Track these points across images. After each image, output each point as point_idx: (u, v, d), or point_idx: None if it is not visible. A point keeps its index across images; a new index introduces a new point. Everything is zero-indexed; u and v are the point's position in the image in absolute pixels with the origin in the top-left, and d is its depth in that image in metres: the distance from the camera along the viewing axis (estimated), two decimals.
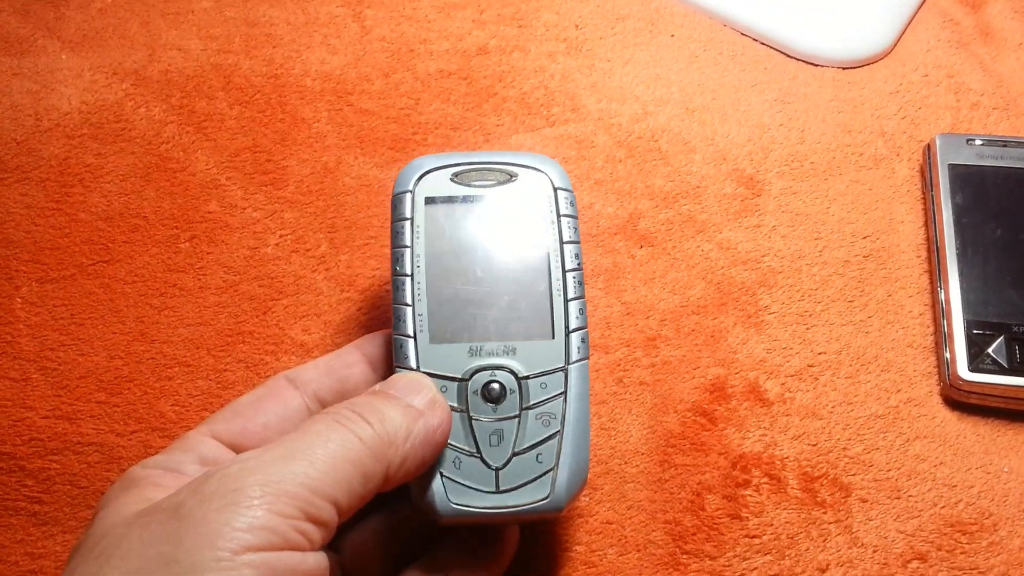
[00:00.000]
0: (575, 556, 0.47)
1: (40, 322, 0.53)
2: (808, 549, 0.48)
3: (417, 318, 0.41)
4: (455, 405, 0.40)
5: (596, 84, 0.64)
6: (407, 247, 0.42)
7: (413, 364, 0.40)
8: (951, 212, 0.57)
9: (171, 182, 0.58)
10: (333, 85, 0.63)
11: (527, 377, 0.40)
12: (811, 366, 0.54)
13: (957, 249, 0.56)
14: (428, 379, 0.40)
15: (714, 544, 0.48)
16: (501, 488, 0.39)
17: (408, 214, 0.42)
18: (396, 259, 0.41)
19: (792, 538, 0.48)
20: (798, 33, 0.66)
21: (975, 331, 0.53)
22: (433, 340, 0.40)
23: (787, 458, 0.50)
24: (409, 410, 0.38)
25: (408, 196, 0.43)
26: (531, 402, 0.40)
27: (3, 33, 0.64)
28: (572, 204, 0.44)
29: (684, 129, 0.62)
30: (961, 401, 0.53)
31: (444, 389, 0.40)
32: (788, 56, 0.66)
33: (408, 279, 0.41)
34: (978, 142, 0.60)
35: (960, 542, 0.49)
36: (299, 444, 0.34)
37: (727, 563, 0.47)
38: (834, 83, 0.65)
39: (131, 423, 0.50)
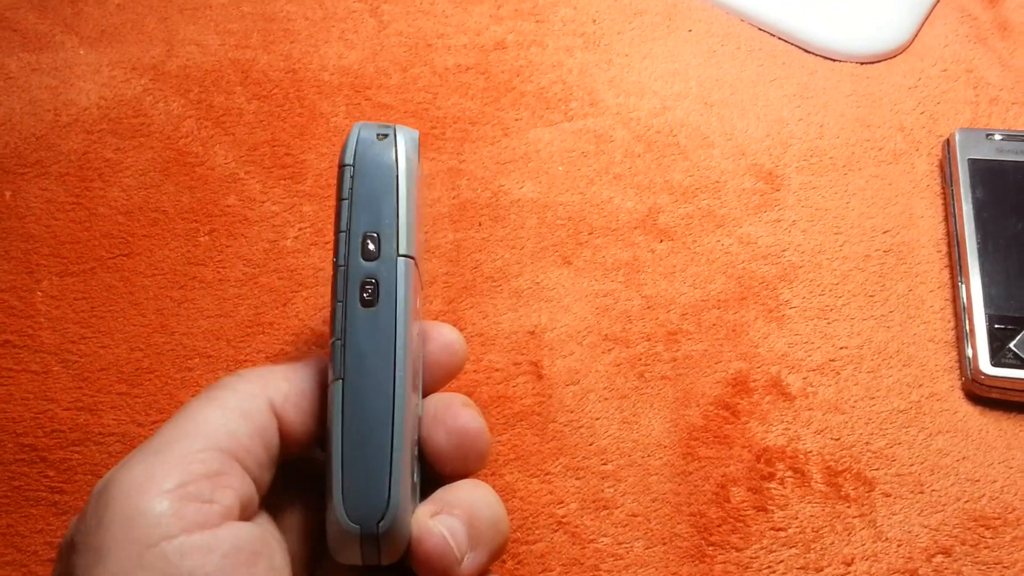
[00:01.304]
0: (602, 548, 0.47)
1: (61, 315, 0.52)
2: (833, 543, 0.48)
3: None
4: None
5: (614, 79, 0.64)
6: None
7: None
8: (971, 207, 0.57)
9: (190, 176, 0.58)
10: (351, 79, 0.63)
11: None
12: (833, 360, 0.53)
13: (978, 244, 0.56)
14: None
15: (740, 536, 0.48)
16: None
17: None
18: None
19: (817, 531, 0.48)
20: (816, 28, 0.66)
21: (996, 326, 0.53)
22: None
23: (810, 452, 0.50)
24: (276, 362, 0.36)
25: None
26: None
27: (21, 29, 0.64)
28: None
29: (703, 124, 0.62)
30: (983, 396, 0.53)
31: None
32: (806, 51, 0.66)
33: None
34: (997, 137, 0.60)
35: (984, 536, 0.48)
36: (167, 423, 0.32)
37: (754, 555, 0.47)
38: (852, 78, 0.65)
39: (152, 414, 0.50)
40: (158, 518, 0.28)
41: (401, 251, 0.35)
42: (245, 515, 0.31)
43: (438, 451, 0.37)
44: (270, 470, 0.34)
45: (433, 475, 0.37)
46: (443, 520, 0.34)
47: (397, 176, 0.36)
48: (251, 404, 0.33)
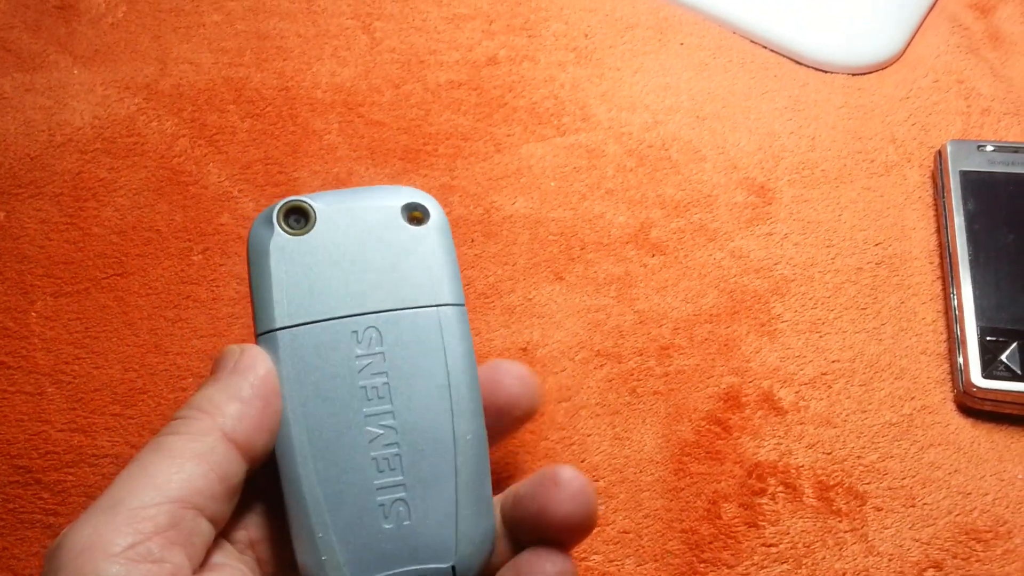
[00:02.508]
0: (593, 566, 0.47)
1: (55, 336, 0.53)
2: (825, 558, 0.48)
3: None
4: None
5: (606, 93, 0.64)
6: None
7: None
8: (963, 218, 0.57)
9: (183, 195, 0.58)
10: (343, 97, 0.63)
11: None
12: (825, 374, 0.53)
13: (970, 255, 0.56)
14: (237, 345, 0.36)
15: (731, 553, 0.48)
16: None
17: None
18: None
19: (808, 547, 0.48)
20: (807, 40, 0.66)
21: (988, 338, 0.53)
22: None
23: (802, 466, 0.50)
24: (218, 377, 0.35)
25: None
26: None
27: (15, 49, 0.64)
28: None
29: (694, 138, 0.62)
30: (975, 408, 0.53)
31: None
32: (798, 63, 0.66)
33: None
34: (989, 148, 0.60)
35: (975, 550, 0.48)
36: (119, 477, 0.31)
37: (745, 572, 0.47)
38: (844, 90, 0.65)
39: (146, 435, 0.50)
40: None
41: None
42: (200, 560, 0.31)
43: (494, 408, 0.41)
44: (231, 500, 0.33)
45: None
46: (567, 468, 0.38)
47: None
48: (201, 443, 0.32)
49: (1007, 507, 0.50)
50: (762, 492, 0.49)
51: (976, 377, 0.52)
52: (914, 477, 0.50)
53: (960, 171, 0.59)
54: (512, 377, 0.40)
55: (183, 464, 0.31)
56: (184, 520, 0.30)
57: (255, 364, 0.35)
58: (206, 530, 0.32)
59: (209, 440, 0.32)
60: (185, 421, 0.33)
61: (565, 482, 0.36)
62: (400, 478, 0.35)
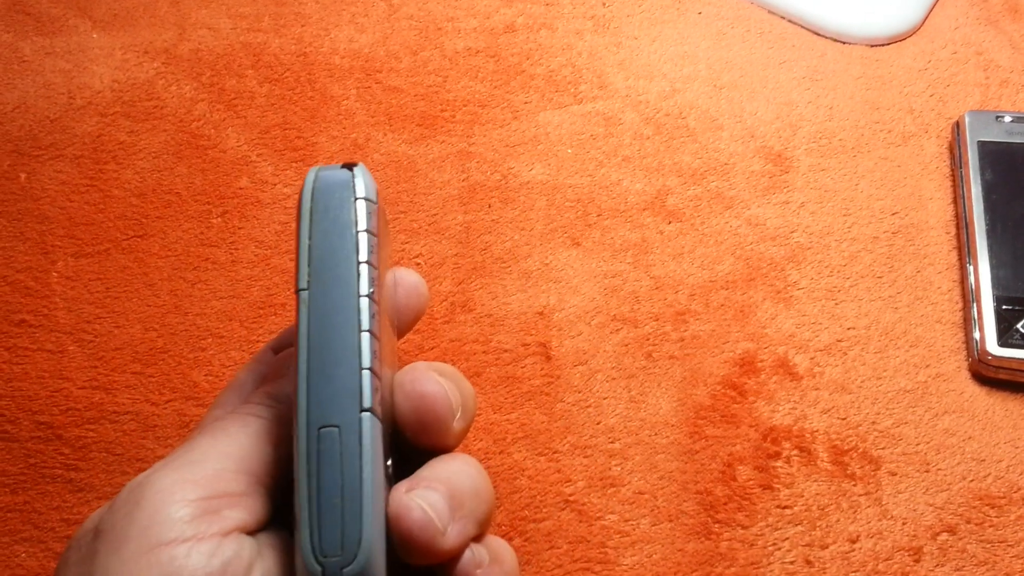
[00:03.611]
0: (609, 525, 0.47)
1: (76, 296, 0.53)
2: (839, 520, 0.48)
3: (375, 354, 0.33)
4: (390, 475, 0.34)
5: (624, 61, 0.64)
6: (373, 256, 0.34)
7: (379, 410, 0.33)
8: (980, 189, 0.57)
9: (203, 159, 0.58)
10: (361, 63, 0.63)
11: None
12: (840, 341, 0.54)
13: (986, 225, 0.56)
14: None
15: (746, 514, 0.48)
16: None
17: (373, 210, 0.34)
18: (364, 268, 0.33)
19: (823, 509, 0.48)
20: (826, 11, 0.66)
21: (1004, 307, 0.53)
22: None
23: (817, 431, 0.51)
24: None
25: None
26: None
27: (35, 13, 0.65)
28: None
29: (712, 106, 0.62)
30: (990, 376, 0.53)
31: (386, 458, 0.34)
32: (816, 34, 0.66)
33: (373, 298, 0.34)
34: (1007, 119, 0.60)
35: (989, 515, 0.49)
36: (200, 434, 0.34)
37: (759, 532, 0.47)
38: (862, 60, 0.65)
39: (166, 393, 0.50)
40: (175, 522, 0.31)
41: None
42: (253, 529, 0.33)
43: (402, 420, 0.36)
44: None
45: (408, 451, 0.36)
46: (420, 494, 0.34)
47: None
48: (283, 432, 0.34)
49: (1021, 474, 0.50)
50: (777, 455, 0.50)
51: (991, 345, 0.52)
52: (928, 443, 0.51)
53: (978, 141, 0.59)
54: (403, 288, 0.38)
55: (265, 446, 0.34)
56: (255, 490, 0.33)
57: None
58: (268, 502, 0.34)
59: (285, 429, 0.34)
60: (269, 407, 0.35)
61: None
62: None
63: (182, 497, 0.31)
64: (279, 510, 0.36)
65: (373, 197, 0.33)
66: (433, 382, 0.36)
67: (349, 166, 0.33)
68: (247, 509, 0.33)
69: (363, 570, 0.30)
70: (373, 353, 0.31)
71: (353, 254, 0.31)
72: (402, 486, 0.35)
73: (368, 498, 0.30)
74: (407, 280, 0.40)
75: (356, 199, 0.32)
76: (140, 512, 0.31)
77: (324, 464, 0.31)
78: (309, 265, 0.31)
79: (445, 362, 0.42)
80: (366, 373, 0.31)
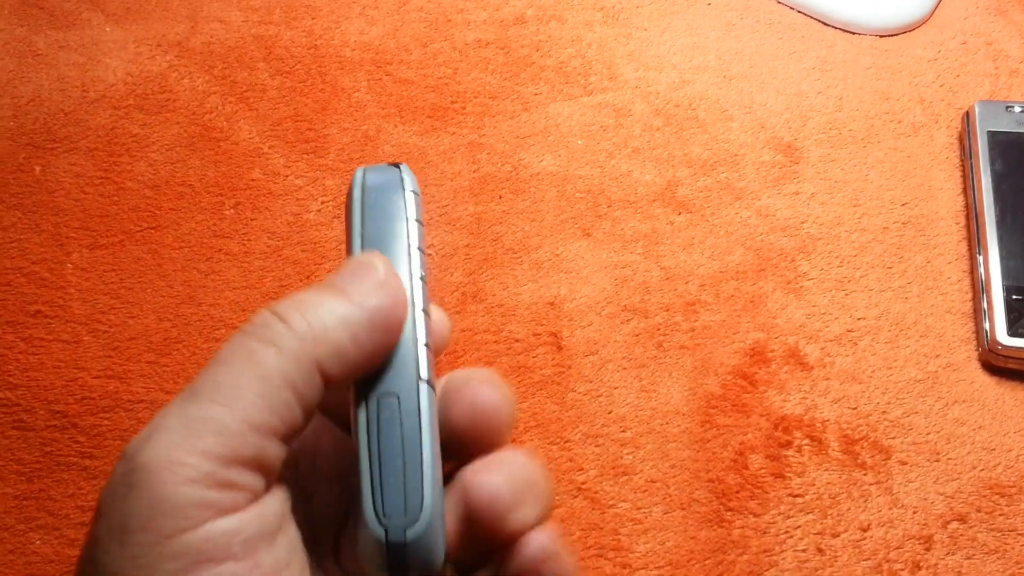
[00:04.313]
0: (622, 513, 0.48)
1: (91, 287, 0.54)
2: (850, 509, 0.48)
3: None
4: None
5: (633, 53, 0.64)
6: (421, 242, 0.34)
7: (433, 381, 0.34)
8: (990, 179, 0.57)
9: (215, 151, 0.59)
10: (372, 55, 0.63)
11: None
12: (850, 331, 0.54)
13: (996, 215, 0.56)
14: (379, 258, 0.32)
15: (758, 502, 0.48)
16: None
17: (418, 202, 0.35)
18: (415, 253, 0.34)
19: (834, 498, 0.49)
20: (835, 1, 0.66)
21: (1014, 296, 0.53)
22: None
23: (828, 421, 0.51)
24: (344, 295, 0.31)
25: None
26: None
27: (48, 7, 0.65)
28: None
29: (722, 97, 0.62)
30: (999, 366, 0.53)
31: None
32: (825, 24, 0.66)
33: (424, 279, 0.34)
34: (1017, 109, 0.60)
35: (999, 504, 0.49)
36: (202, 381, 0.29)
37: (771, 520, 0.48)
38: (872, 51, 0.65)
39: (180, 382, 0.51)
40: (184, 508, 0.28)
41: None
42: (275, 478, 0.30)
43: (455, 428, 0.35)
44: (307, 421, 0.31)
45: (452, 457, 0.36)
46: (486, 476, 0.34)
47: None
48: (282, 360, 0.29)
49: None
50: (788, 444, 0.50)
51: (1001, 335, 0.52)
52: (939, 432, 0.51)
53: (988, 132, 0.59)
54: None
55: (259, 378, 0.29)
56: (262, 442, 0.29)
57: (385, 284, 0.32)
58: (278, 451, 0.30)
59: (309, 369, 0.30)
60: (266, 326, 0.30)
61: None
62: None
63: (186, 476, 0.28)
64: (295, 461, 0.33)
65: (419, 191, 0.34)
66: (492, 393, 0.35)
67: (395, 165, 0.35)
68: (263, 469, 0.29)
69: (426, 530, 0.30)
70: (428, 331, 0.32)
71: (406, 239, 0.33)
72: (467, 470, 0.35)
73: (428, 463, 0.31)
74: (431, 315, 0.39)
75: (406, 192, 0.33)
76: (139, 496, 0.28)
77: (384, 430, 0.31)
78: (363, 250, 0.32)
79: (456, 352, 0.42)
80: (423, 348, 0.32)
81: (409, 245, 0.33)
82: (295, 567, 0.30)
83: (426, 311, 0.32)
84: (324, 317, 0.30)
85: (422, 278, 0.32)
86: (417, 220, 0.33)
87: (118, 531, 0.27)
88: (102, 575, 0.27)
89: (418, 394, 0.32)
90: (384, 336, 0.31)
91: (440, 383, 0.35)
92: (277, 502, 0.30)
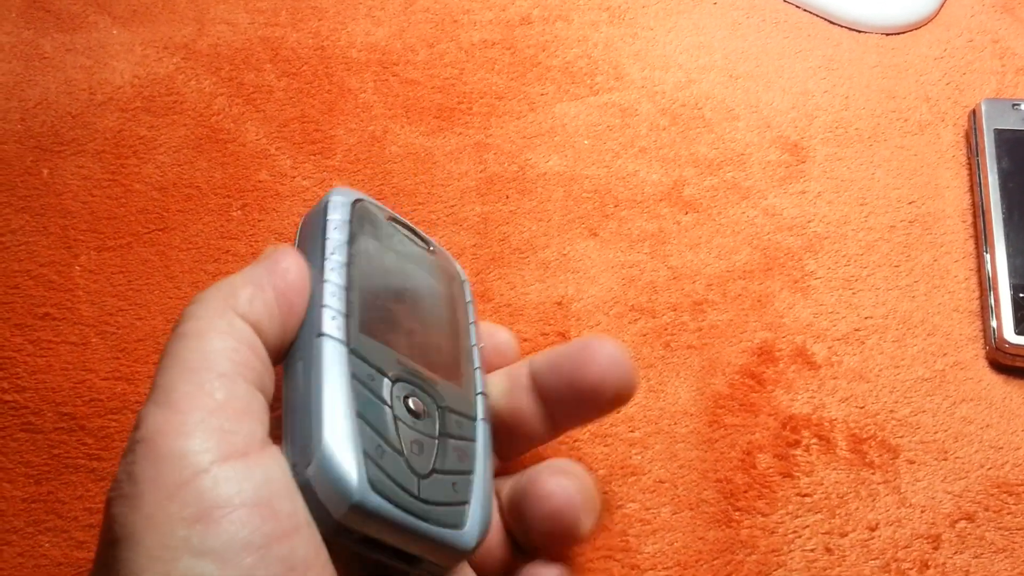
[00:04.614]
0: (630, 513, 0.48)
1: (98, 289, 0.54)
2: (858, 508, 0.48)
3: (351, 303, 0.35)
4: (383, 397, 0.34)
5: (639, 52, 0.64)
6: (344, 244, 0.38)
7: (341, 337, 0.34)
8: (997, 177, 0.57)
9: (222, 153, 0.59)
10: (378, 56, 0.63)
11: (447, 408, 0.36)
12: (858, 330, 0.54)
13: (1003, 213, 0.56)
14: (274, 245, 0.36)
15: (766, 502, 0.48)
16: (422, 496, 0.33)
17: (347, 217, 0.39)
18: (332, 249, 0.37)
19: (842, 497, 0.49)
20: (841, 0, 0.66)
21: (1021, 295, 0.53)
22: (363, 330, 0.35)
23: (835, 420, 0.51)
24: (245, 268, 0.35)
25: (348, 207, 0.39)
26: (449, 432, 0.36)
27: (55, 9, 0.65)
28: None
29: (728, 96, 0.62)
30: (1007, 364, 0.53)
31: (371, 378, 0.34)
32: (831, 23, 0.66)
33: (344, 267, 0.37)
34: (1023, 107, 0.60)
35: (1007, 503, 0.49)
36: (164, 377, 0.31)
37: (779, 520, 0.48)
38: (878, 49, 0.65)
39: None
40: (187, 455, 0.28)
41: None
42: (267, 428, 0.31)
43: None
44: (269, 371, 0.33)
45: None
46: (559, 479, 0.35)
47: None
48: (221, 320, 0.32)
49: None
50: (796, 444, 0.50)
51: (1009, 333, 0.52)
52: (946, 431, 0.51)
53: (994, 130, 0.59)
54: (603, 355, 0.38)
55: (212, 340, 0.31)
56: (240, 390, 0.31)
57: (282, 260, 0.35)
58: (262, 399, 0.32)
59: (227, 318, 0.32)
60: (200, 304, 0.33)
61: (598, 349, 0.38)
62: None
63: (183, 427, 0.29)
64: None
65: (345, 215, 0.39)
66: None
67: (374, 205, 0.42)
68: (255, 414, 0.31)
69: (322, 466, 0.31)
70: (333, 293, 0.35)
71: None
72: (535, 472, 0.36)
73: (320, 409, 0.32)
74: (496, 337, 0.41)
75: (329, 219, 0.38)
76: (145, 460, 0.28)
77: (290, 391, 0.33)
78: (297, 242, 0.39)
79: None
80: (325, 309, 0.34)
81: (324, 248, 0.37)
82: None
83: (332, 280, 0.36)
84: (231, 280, 0.34)
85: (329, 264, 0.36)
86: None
87: (130, 503, 0.28)
88: (118, 545, 0.27)
89: (313, 349, 0.33)
90: (280, 284, 0.34)
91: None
92: (279, 453, 0.31)
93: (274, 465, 0.30)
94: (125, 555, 0.27)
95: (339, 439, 0.31)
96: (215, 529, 0.27)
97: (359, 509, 0.31)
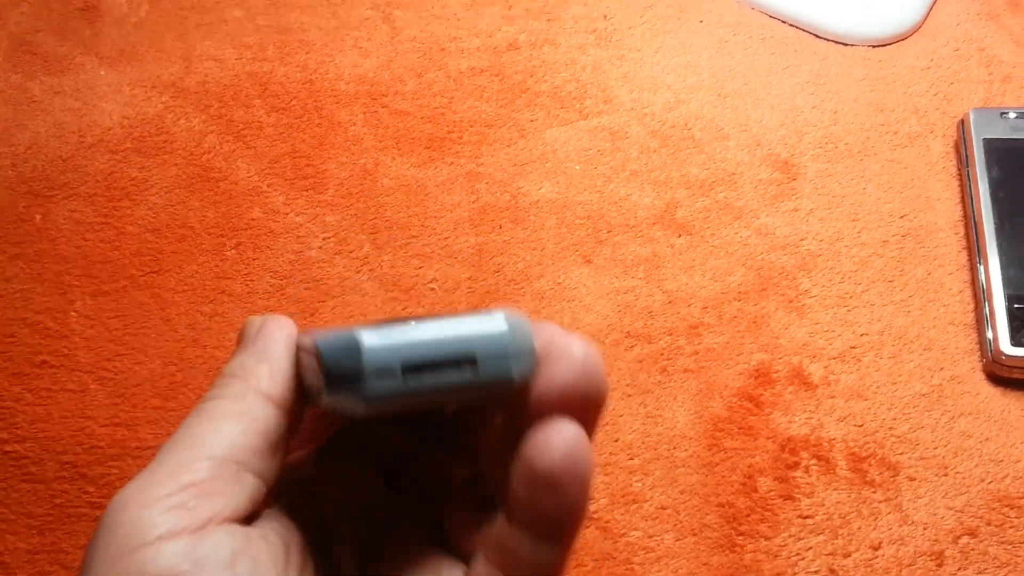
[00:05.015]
0: (633, 541, 0.48)
1: (95, 334, 0.54)
2: (860, 528, 0.48)
3: None
4: None
5: (627, 74, 0.64)
6: None
7: None
8: (987, 187, 0.57)
9: (214, 191, 0.59)
10: (367, 88, 0.64)
11: None
12: (854, 348, 0.54)
13: (995, 224, 0.56)
14: (257, 316, 0.36)
15: (769, 525, 0.48)
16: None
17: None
18: None
19: (844, 517, 0.49)
20: (826, 13, 0.66)
21: (1016, 306, 0.53)
22: None
23: (834, 439, 0.51)
24: (244, 345, 0.34)
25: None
26: None
27: (42, 52, 0.65)
28: None
29: (717, 116, 0.62)
30: (1004, 376, 0.53)
31: None
32: (817, 37, 0.66)
33: None
34: (1012, 115, 0.60)
35: (1009, 516, 0.49)
36: (162, 450, 0.32)
37: (783, 543, 0.48)
38: (865, 62, 0.65)
39: None
40: (138, 526, 0.29)
41: None
42: (245, 512, 0.31)
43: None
44: (276, 456, 0.33)
45: None
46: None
47: None
48: (239, 404, 0.33)
49: None
50: (796, 465, 0.50)
51: (1005, 345, 0.52)
52: (946, 446, 0.51)
53: (983, 139, 0.59)
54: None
55: (221, 424, 0.32)
56: (224, 473, 0.31)
57: (278, 327, 0.35)
58: (251, 484, 0.32)
59: (247, 400, 0.33)
60: (221, 387, 0.33)
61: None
62: None
63: (143, 501, 0.29)
64: (285, 498, 0.34)
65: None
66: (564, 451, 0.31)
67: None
68: (228, 496, 0.31)
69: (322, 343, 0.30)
70: None
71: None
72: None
73: None
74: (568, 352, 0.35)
75: None
76: (101, 530, 0.29)
77: None
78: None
79: None
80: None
81: None
82: None
83: None
84: (244, 362, 0.33)
85: None
86: None
87: (83, 565, 0.29)
88: None
89: None
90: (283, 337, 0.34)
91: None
92: (243, 531, 0.31)
93: (225, 538, 0.30)
94: None
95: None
96: None
97: (374, 387, 0.29)
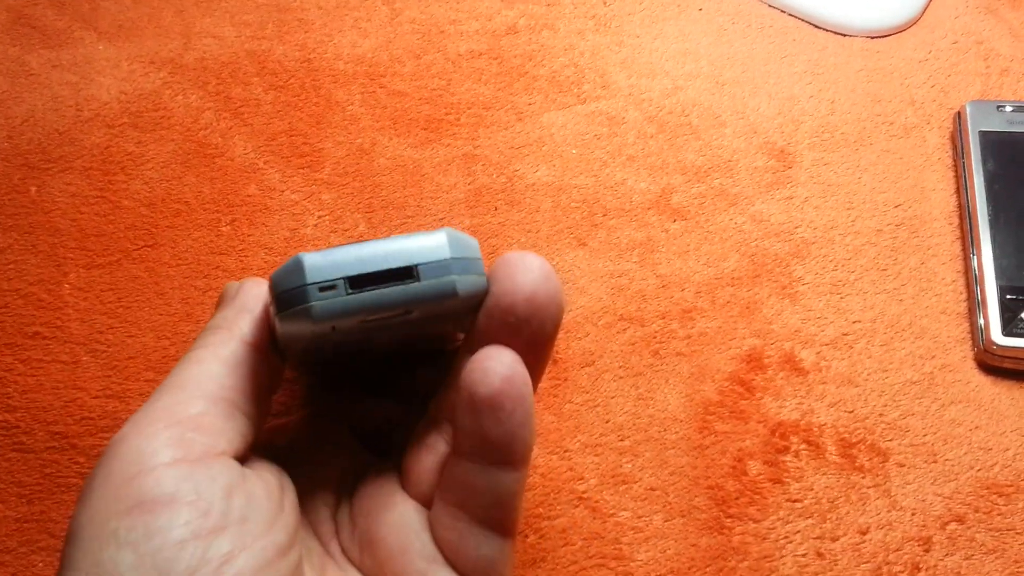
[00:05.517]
0: (622, 521, 0.48)
1: (88, 306, 0.54)
2: (848, 513, 0.49)
3: None
4: None
5: (626, 60, 0.64)
6: None
7: None
8: (983, 179, 0.57)
9: (210, 167, 0.59)
10: (365, 68, 0.63)
11: None
12: (846, 335, 0.54)
13: (989, 215, 0.56)
14: (234, 281, 0.39)
15: (757, 508, 0.48)
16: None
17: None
18: None
19: (832, 502, 0.49)
20: (826, 3, 0.66)
21: (1008, 296, 0.53)
22: None
23: (824, 425, 0.51)
24: (224, 303, 0.37)
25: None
26: None
27: (40, 26, 0.65)
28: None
29: (714, 103, 0.62)
30: (995, 366, 0.53)
31: None
32: (816, 27, 0.66)
33: None
34: (1008, 108, 0.60)
35: (997, 504, 0.49)
36: (153, 395, 0.33)
37: (771, 526, 0.48)
38: (863, 53, 0.65)
39: None
40: (137, 455, 0.30)
41: None
42: (237, 448, 0.33)
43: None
44: (264, 399, 0.35)
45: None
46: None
47: None
48: (224, 349, 0.34)
49: None
50: (786, 450, 0.50)
51: (996, 335, 0.52)
52: (936, 434, 0.51)
53: (979, 132, 0.59)
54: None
55: (210, 366, 0.33)
56: (218, 411, 0.32)
57: (255, 285, 0.37)
58: (242, 423, 0.33)
59: (232, 346, 0.34)
60: (206, 336, 0.35)
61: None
62: None
63: (144, 432, 0.31)
64: (268, 451, 0.36)
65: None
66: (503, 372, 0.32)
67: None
68: (223, 433, 0.32)
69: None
70: None
71: None
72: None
73: None
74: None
75: None
76: (102, 462, 0.30)
77: None
78: None
79: None
80: None
81: None
82: (256, 523, 0.31)
83: None
84: (225, 315, 0.36)
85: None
86: None
87: (82, 499, 0.30)
88: (66, 542, 0.29)
89: None
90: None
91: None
92: (242, 470, 0.32)
93: (223, 469, 0.31)
94: (67, 550, 0.29)
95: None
96: (142, 521, 0.28)
97: (320, 308, 0.31)
